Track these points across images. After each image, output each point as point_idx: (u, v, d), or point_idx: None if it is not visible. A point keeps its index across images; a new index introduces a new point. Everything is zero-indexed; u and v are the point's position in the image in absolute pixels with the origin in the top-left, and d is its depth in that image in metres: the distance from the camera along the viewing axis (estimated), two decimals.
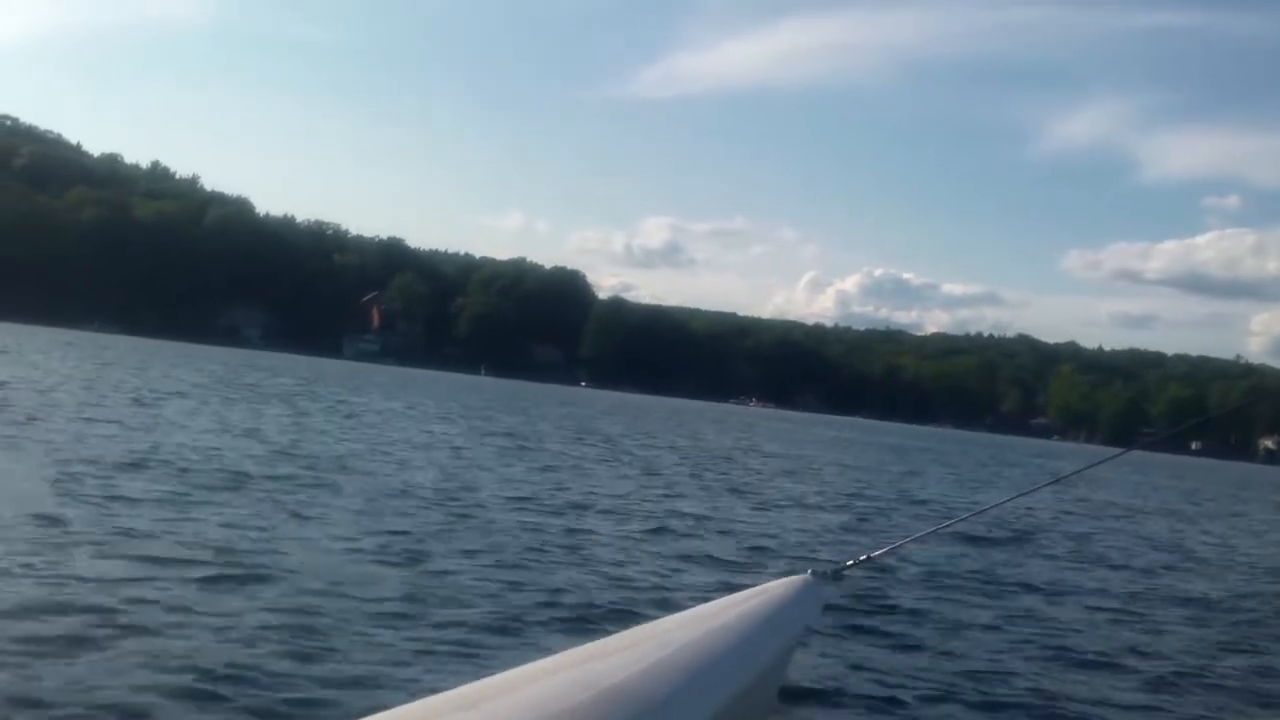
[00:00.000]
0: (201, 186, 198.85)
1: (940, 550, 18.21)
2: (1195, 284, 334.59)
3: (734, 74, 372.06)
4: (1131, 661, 12.07)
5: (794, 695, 8.92)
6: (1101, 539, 25.87)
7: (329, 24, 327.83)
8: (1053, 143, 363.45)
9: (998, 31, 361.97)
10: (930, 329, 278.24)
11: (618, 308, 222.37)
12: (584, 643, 2.12)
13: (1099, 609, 15.48)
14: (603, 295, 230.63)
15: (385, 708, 1.65)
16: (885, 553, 3.23)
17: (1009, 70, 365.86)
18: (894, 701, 9.40)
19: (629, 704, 1.78)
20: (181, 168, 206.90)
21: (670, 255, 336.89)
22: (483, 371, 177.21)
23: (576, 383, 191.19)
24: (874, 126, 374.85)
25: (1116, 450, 4.73)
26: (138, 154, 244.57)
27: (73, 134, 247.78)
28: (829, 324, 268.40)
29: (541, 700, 1.69)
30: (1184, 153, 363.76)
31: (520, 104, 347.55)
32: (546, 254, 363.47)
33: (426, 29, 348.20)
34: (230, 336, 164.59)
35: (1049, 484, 5.40)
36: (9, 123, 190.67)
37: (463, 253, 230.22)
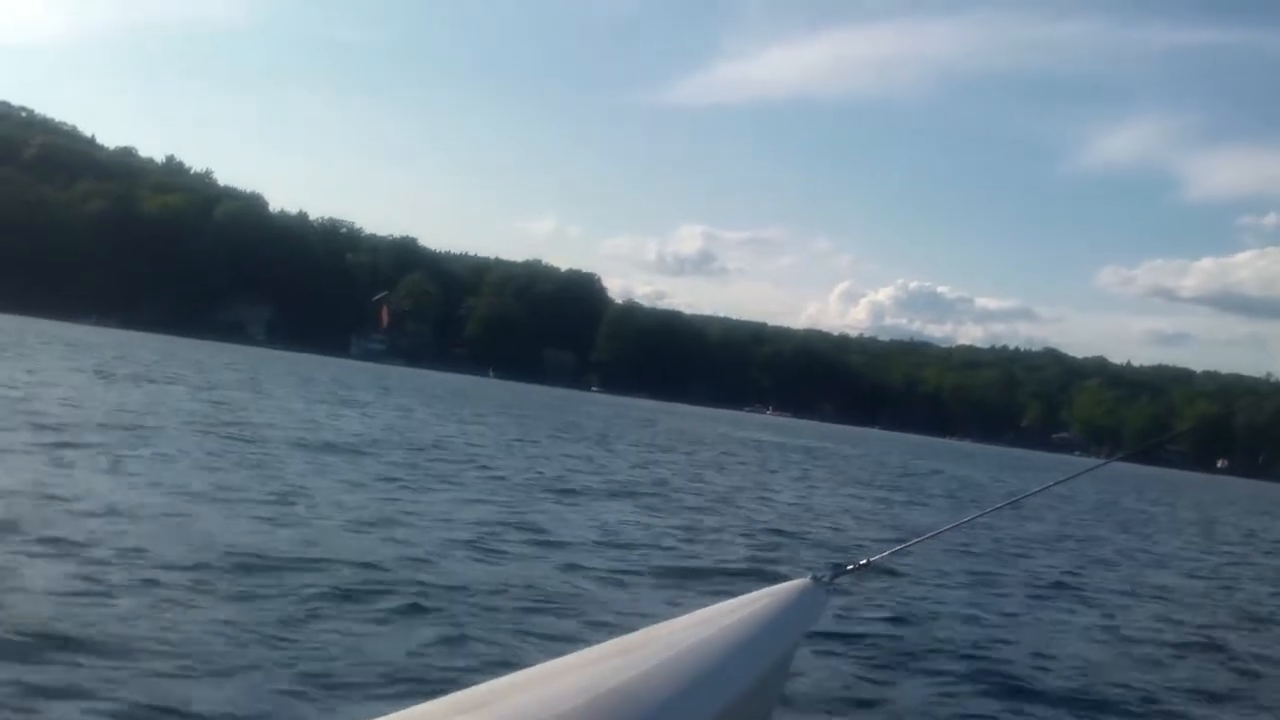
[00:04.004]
0: (214, 181, 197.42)
1: (942, 553, 18.45)
2: (1231, 303, 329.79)
3: (773, 84, 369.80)
4: (1137, 673, 11.87)
5: (795, 699, 8.86)
6: (1105, 542, 26.38)
7: (365, 25, 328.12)
8: (1092, 159, 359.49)
9: (1039, 46, 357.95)
10: (963, 343, 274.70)
11: (631, 312, 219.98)
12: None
13: (1103, 611, 15.71)
14: (638, 302, 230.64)
15: (388, 710, 1.66)
16: (887, 556, 3.25)
17: (1050, 85, 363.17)
18: (894, 706, 9.42)
19: (630, 707, 1.79)
20: (199, 164, 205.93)
21: (703, 264, 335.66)
22: (491, 374, 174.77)
23: (588, 388, 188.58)
24: (912, 139, 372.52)
25: (1095, 462, 4.73)
26: (155, 149, 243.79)
27: (92, 128, 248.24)
28: (864, 335, 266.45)
29: (543, 704, 1.69)
30: (1224, 171, 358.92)
31: (556, 109, 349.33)
32: (578, 260, 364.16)
33: (460, 32, 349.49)
34: (234, 333, 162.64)
35: (1051, 485, 4.84)
36: (24, 114, 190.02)
37: (487, 255, 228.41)
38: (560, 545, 15.23)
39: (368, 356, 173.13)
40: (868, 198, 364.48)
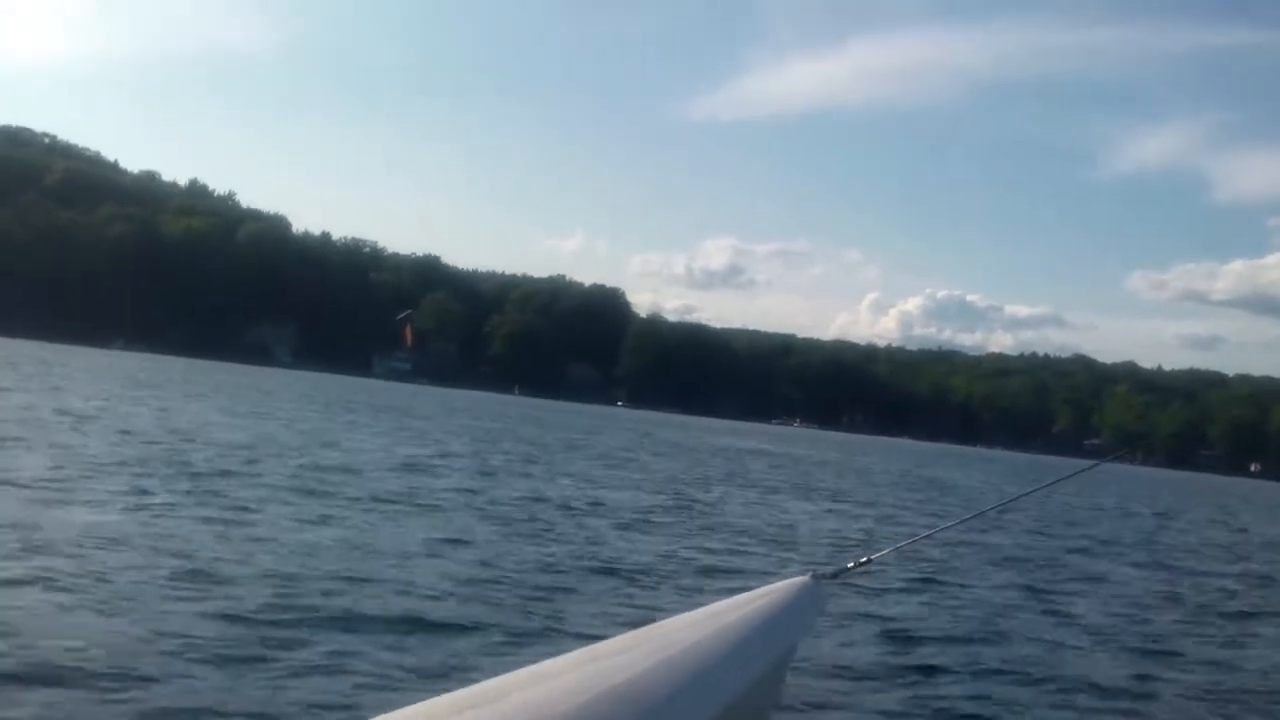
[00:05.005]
0: (237, 203, 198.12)
1: (941, 552, 18.86)
2: (1263, 305, 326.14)
3: (800, 96, 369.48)
4: (1145, 665, 12.41)
5: (795, 697, 8.91)
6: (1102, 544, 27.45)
7: (386, 47, 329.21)
8: (1122, 163, 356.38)
9: (1067, 52, 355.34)
10: (993, 350, 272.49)
11: (656, 326, 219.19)
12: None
13: (1103, 609, 16.32)
14: (665, 316, 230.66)
15: (386, 710, 1.65)
16: (886, 554, 3.25)
17: (1077, 91, 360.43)
18: (894, 704, 9.48)
19: (630, 706, 1.79)
20: (222, 187, 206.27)
21: (731, 277, 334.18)
22: (516, 391, 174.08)
23: (613, 403, 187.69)
24: (940, 147, 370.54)
25: (1089, 462, 4.70)
26: (179, 173, 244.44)
27: (116, 153, 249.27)
28: (893, 345, 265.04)
29: (543, 702, 1.69)
30: (1254, 172, 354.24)
31: (581, 127, 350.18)
32: (608, 276, 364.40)
33: (483, 52, 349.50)
34: (259, 355, 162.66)
35: (1051, 484, 4.81)
36: (47, 140, 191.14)
37: (514, 273, 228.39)
38: None
39: (392, 376, 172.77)
40: (896, 207, 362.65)
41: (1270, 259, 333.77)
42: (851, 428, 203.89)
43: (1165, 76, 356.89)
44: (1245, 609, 19.06)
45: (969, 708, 9.75)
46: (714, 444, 72.76)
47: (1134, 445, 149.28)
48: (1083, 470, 4.30)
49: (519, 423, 68.83)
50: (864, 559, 3.01)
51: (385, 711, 1.64)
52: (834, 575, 2.85)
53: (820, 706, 9.07)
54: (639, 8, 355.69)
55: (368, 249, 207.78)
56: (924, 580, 16.41)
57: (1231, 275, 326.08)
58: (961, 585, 16.60)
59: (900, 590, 15.22)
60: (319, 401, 64.05)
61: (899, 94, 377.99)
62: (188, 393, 55.21)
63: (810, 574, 2.78)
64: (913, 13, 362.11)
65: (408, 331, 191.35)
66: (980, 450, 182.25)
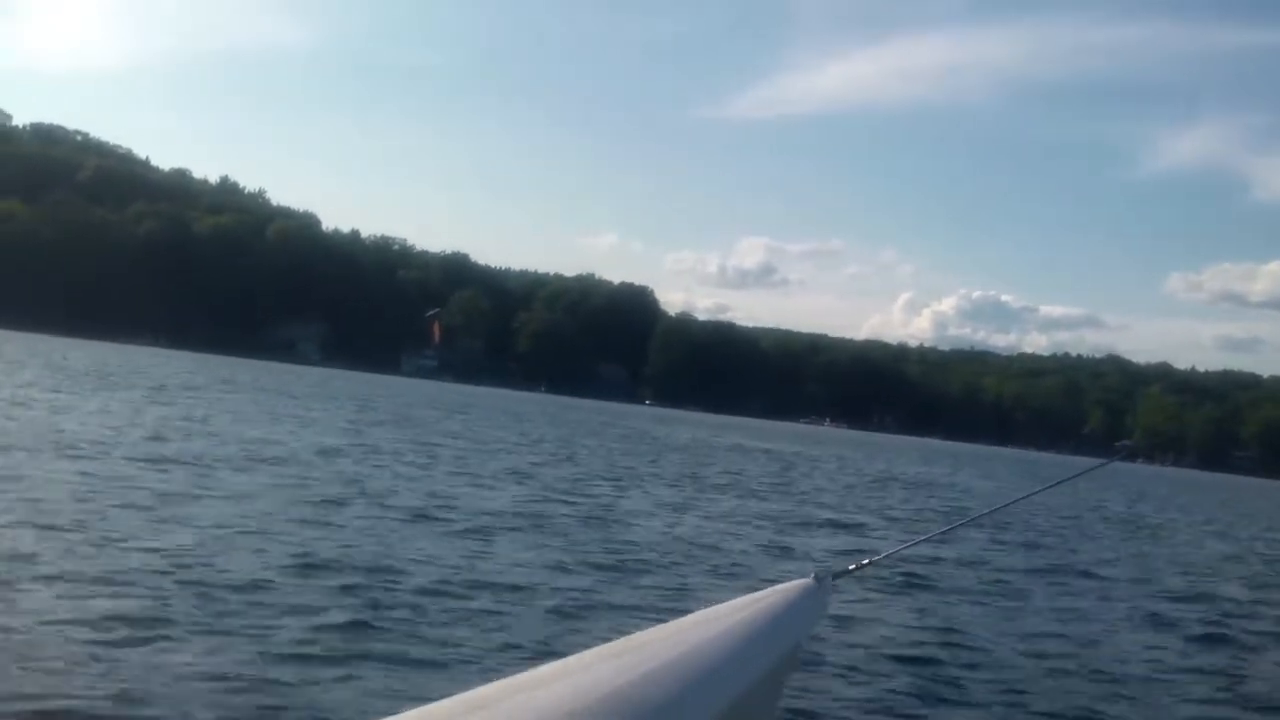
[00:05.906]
0: (267, 201, 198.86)
1: (943, 553, 18.78)
2: None
3: (835, 95, 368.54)
4: (1141, 669, 12.23)
5: (797, 698, 8.86)
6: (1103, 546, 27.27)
7: (425, 48, 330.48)
8: (1160, 163, 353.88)
9: (1103, 51, 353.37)
10: (1027, 351, 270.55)
11: (684, 324, 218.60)
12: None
13: (1098, 611, 16.19)
14: (696, 315, 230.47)
15: (387, 713, 1.65)
16: (889, 555, 3.29)
17: (1114, 90, 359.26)
18: (896, 704, 9.47)
19: (633, 708, 1.79)
20: (252, 184, 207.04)
21: (764, 276, 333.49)
22: (543, 389, 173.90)
23: (641, 401, 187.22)
24: (976, 146, 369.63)
25: (1097, 461, 4.66)
26: (209, 171, 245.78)
27: (147, 151, 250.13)
28: (926, 345, 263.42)
29: (546, 705, 1.69)
30: None
31: (617, 126, 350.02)
32: (642, 275, 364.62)
33: (520, 53, 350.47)
34: (287, 352, 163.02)
35: (1054, 484, 4.60)
36: (78, 138, 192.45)
37: (545, 270, 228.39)
38: None
39: (420, 373, 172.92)
40: (931, 207, 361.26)
41: None
42: (882, 428, 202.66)
43: (1202, 76, 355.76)
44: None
45: (970, 707, 9.79)
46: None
47: (1132, 448, 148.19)
48: (1085, 473, 4.17)
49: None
50: (866, 560, 3.04)
51: (385, 715, 1.62)
52: (836, 576, 2.84)
53: (823, 707, 9.02)
54: (674, 7, 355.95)
55: (396, 246, 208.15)
56: (925, 580, 16.42)
57: (1270, 276, 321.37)
58: (961, 586, 16.62)
59: (902, 591, 15.24)
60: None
61: (933, 94, 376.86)
62: None
63: (813, 575, 2.77)
64: (946, 13, 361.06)
65: (436, 329, 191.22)
66: (1013, 451, 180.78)
